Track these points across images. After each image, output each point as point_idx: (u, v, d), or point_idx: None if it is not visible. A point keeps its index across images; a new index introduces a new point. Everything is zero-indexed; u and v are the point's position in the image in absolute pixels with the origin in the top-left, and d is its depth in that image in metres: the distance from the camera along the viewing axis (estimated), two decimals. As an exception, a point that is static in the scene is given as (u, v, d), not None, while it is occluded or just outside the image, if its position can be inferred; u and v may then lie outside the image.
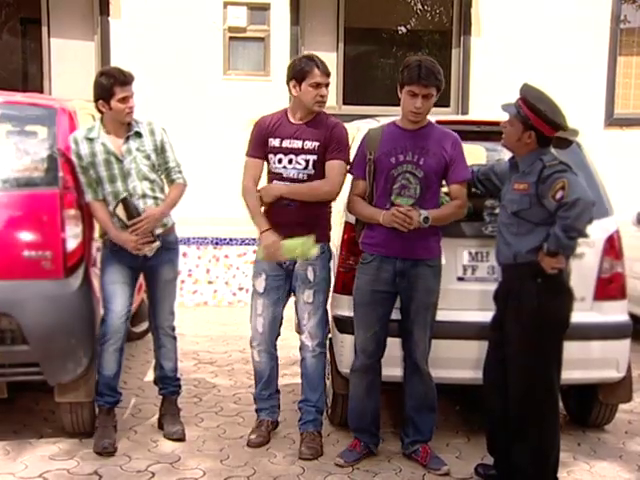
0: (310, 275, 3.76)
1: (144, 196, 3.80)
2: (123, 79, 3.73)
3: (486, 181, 3.65)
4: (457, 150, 3.59)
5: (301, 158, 3.70)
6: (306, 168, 3.70)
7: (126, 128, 3.83)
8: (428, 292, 3.60)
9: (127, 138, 3.80)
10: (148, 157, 3.83)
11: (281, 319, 3.92)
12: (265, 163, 3.81)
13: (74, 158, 3.77)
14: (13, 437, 3.92)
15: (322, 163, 3.70)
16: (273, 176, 3.78)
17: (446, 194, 3.79)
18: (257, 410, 4.03)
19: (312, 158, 3.69)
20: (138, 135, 3.83)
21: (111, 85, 3.70)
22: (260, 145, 3.78)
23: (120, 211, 3.73)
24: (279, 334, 3.97)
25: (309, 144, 3.69)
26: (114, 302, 3.80)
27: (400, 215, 3.46)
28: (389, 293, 3.62)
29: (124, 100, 3.72)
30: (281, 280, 3.82)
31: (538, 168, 3.24)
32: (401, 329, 3.67)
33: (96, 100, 3.77)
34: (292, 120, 3.74)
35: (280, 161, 3.73)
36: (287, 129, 3.73)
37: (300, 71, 3.66)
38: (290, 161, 3.71)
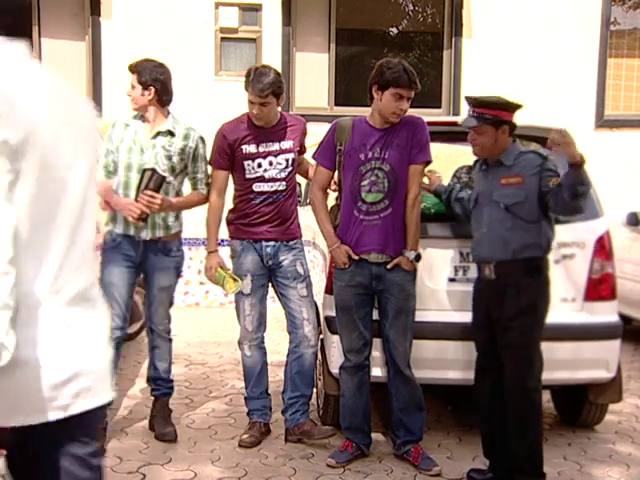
0: (300, 269, 3.91)
1: None
2: (130, 67, 3.85)
3: (459, 200, 3.70)
4: (419, 134, 3.61)
5: (281, 158, 3.85)
6: (287, 167, 3.86)
7: (162, 122, 3.85)
8: (406, 297, 3.63)
9: (157, 133, 3.84)
10: (170, 157, 3.84)
11: (266, 314, 4.01)
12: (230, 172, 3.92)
13: (105, 139, 3.84)
14: (3, 439, 3.91)
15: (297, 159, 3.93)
16: (252, 181, 3.85)
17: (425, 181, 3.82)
18: (249, 413, 4.04)
19: (291, 156, 3.86)
20: (170, 134, 3.86)
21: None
22: (228, 156, 3.87)
23: (145, 178, 3.68)
24: (265, 329, 4.04)
25: (286, 144, 3.85)
26: (109, 300, 3.78)
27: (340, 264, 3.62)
28: (367, 295, 3.66)
29: (132, 88, 3.83)
30: (265, 278, 3.94)
31: (537, 162, 3.27)
32: (380, 332, 3.69)
33: None
34: (258, 124, 3.84)
35: (260, 165, 3.84)
36: (259, 134, 3.84)
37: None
38: (270, 163, 3.84)
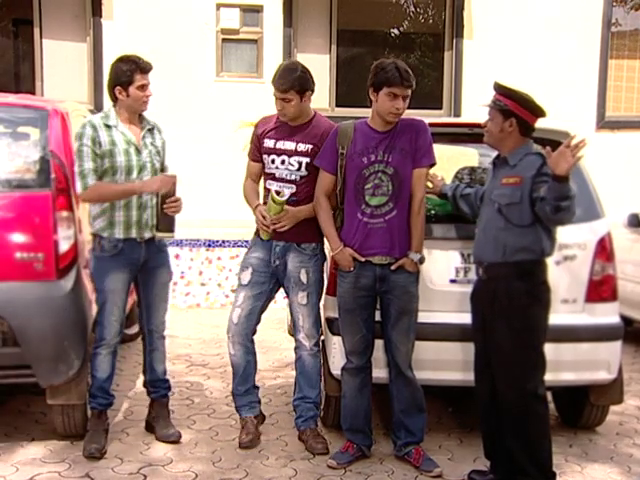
0: (303, 277, 3.80)
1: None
2: (143, 66, 3.72)
3: (464, 197, 3.68)
4: (422, 136, 3.60)
5: (294, 160, 3.75)
6: (299, 170, 3.75)
7: (139, 120, 3.83)
8: (409, 299, 3.62)
9: (145, 132, 3.81)
10: (159, 153, 3.86)
11: (259, 315, 3.91)
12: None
13: (88, 143, 3.66)
14: (4, 439, 3.91)
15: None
16: (267, 176, 3.84)
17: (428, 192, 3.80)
18: (237, 409, 4.01)
19: (305, 160, 3.74)
20: (151, 131, 3.86)
21: (132, 71, 3.69)
22: (256, 147, 3.87)
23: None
24: (255, 331, 3.94)
25: (302, 146, 3.74)
26: (110, 307, 3.78)
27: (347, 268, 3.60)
28: (370, 296, 3.65)
29: (143, 88, 3.72)
30: (267, 277, 3.86)
31: (538, 164, 3.24)
32: (382, 333, 3.69)
33: (113, 86, 3.73)
34: (283, 119, 3.78)
35: (273, 162, 3.79)
36: (282, 131, 3.78)
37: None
38: (283, 162, 3.76)
